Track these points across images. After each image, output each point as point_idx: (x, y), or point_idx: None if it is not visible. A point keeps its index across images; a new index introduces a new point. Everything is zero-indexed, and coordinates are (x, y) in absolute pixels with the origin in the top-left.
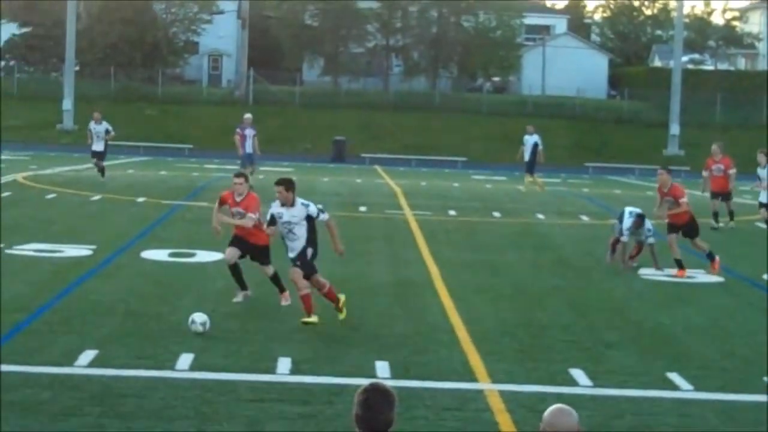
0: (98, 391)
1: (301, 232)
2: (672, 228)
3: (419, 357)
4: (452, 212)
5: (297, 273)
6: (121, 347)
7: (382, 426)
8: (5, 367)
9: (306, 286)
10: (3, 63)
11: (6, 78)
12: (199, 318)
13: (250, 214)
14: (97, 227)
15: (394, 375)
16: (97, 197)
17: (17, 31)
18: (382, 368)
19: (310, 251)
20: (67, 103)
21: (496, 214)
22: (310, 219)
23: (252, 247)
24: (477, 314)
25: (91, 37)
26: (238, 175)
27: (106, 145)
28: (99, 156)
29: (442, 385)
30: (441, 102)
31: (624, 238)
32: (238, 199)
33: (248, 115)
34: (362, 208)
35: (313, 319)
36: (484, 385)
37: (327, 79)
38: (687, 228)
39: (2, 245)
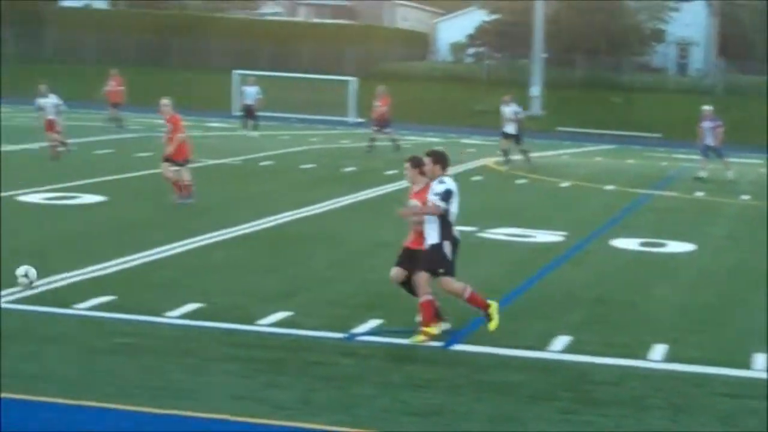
0: (571, 376)
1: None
2: None
3: None
4: None
5: (421, 277)
6: (593, 334)
7: None
8: (479, 348)
9: (428, 292)
10: (473, 50)
11: (476, 64)
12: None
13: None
14: (567, 214)
15: None
16: (565, 184)
17: (487, 18)
18: None
19: (446, 245)
20: (535, 90)
21: None
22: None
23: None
24: None
25: (558, 24)
26: (408, 159)
27: (518, 128)
28: (512, 139)
29: None
30: None
31: None
32: (415, 189)
33: (705, 107)
34: None
35: (432, 330)
36: None
37: None
38: None
39: (475, 228)
